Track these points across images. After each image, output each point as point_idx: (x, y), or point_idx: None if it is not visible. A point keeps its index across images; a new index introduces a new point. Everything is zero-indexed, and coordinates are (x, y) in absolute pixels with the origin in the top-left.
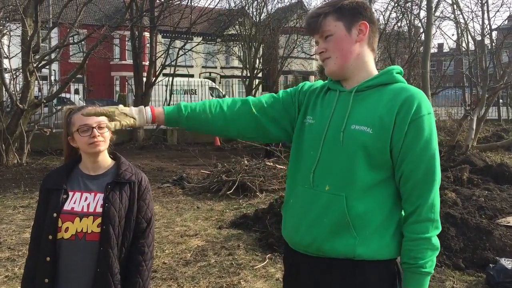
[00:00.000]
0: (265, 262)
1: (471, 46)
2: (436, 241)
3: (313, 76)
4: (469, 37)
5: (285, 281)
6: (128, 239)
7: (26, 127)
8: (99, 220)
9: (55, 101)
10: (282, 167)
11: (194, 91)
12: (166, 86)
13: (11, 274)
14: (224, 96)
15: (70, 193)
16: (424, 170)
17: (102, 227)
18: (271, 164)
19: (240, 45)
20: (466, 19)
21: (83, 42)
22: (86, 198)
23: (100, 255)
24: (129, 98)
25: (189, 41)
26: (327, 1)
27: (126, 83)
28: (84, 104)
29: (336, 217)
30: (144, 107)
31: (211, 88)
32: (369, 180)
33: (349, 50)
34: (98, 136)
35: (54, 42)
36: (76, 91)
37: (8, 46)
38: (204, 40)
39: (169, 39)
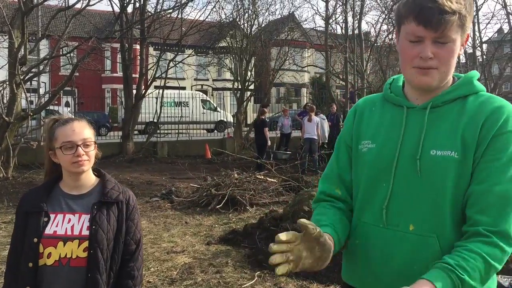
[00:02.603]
0: (253, 280)
1: (462, 59)
2: (490, 274)
3: (305, 89)
4: None
5: None
6: (117, 263)
7: (12, 140)
8: (85, 244)
9: (43, 113)
10: (273, 180)
11: (185, 104)
12: (157, 98)
13: None
14: (216, 108)
15: (52, 215)
16: (499, 193)
17: (90, 252)
18: (262, 177)
19: (231, 57)
20: None
21: (73, 54)
22: (70, 220)
23: (88, 282)
24: (120, 111)
25: (180, 53)
26: None
27: (117, 95)
28: (71, 116)
29: (429, 262)
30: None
31: (203, 101)
32: (458, 212)
33: (453, 66)
34: (83, 155)
35: (44, 54)
36: (67, 104)
37: None
38: (195, 52)
39: (160, 51)
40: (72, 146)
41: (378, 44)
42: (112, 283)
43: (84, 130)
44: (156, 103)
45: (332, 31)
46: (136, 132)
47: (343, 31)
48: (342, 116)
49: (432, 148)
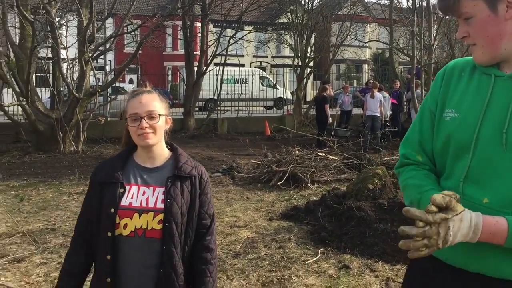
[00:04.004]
0: (317, 257)
1: None
2: None
3: (366, 65)
4: None
5: None
6: (191, 237)
7: (81, 115)
8: (160, 216)
9: (109, 90)
10: (334, 157)
11: (244, 81)
12: (217, 75)
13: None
14: (274, 85)
15: (127, 187)
16: None
17: (165, 225)
18: (323, 154)
19: (291, 33)
20: None
21: (137, 32)
22: (144, 192)
23: (164, 254)
24: (181, 88)
25: (240, 30)
26: None
27: (178, 72)
28: (140, 89)
29: None
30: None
31: (261, 78)
32: None
33: (498, 34)
34: (147, 127)
35: (109, 32)
36: (130, 81)
37: (65, 37)
38: (255, 28)
39: (220, 28)
40: (136, 118)
41: (448, 17)
42: (186, 257)
43: (152, 102)
44: (217, 80)
45: (397, 4)
46: (196, 109)
47: (409, 3)
48: (405, 92)
49: None
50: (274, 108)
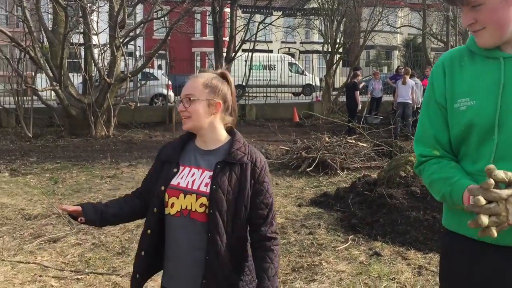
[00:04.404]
0: (347, 244)
1: None
2: None
3: (396, 51)
4: None
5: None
6: (240, 227)
7: (112, 100)
8: (201, 199)
9: (139, 75)
10: (364, 144)
11: (273, 67)
12: (246, 61)
13: (97, 241)
14: (303, 71)
15: (181, 167)
16: None
17: (210, 211)
18: (353, 141)
19: (321, 19)
20: None
21: (166, 18)
22: (193, 174)
23: (209, 241)
24: None
25: (269, 15)
26: None
27: (207, 58)
28: (194, 74)
29: None
30: None
31: (290, 64)
32: None
33: (507, 18)
34: (182, 111)
35: (139, 18)
36: (159, 67)
37: (97, 23)
38: (284, 14)
39: (249, 14)
40: (180, 101)
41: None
42: (234, 246)
43: (191, 86)
44: (245, 66)
45: None
46: None
47: None
48: None
49: None
50: (302, 94)
